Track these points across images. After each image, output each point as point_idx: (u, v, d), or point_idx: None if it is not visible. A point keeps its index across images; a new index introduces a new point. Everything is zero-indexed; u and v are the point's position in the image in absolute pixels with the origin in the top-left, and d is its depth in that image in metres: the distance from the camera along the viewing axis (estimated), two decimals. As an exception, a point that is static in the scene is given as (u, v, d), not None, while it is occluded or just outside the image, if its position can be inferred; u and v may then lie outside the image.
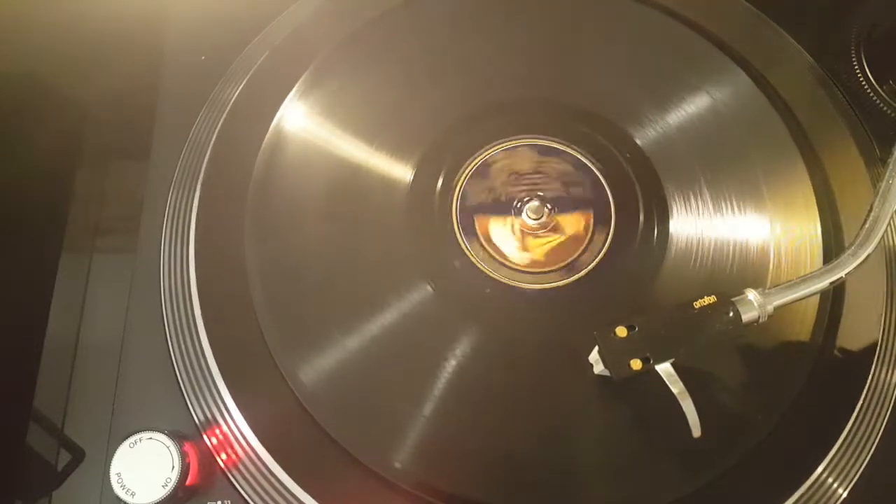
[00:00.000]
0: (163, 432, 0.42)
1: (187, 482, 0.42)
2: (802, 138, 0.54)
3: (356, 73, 0.55)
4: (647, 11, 0.58)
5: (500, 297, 0.49)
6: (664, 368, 0.42)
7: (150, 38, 0.58)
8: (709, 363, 0.47)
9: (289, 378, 0.45)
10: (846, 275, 0.43)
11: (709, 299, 0.43)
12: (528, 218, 0.51)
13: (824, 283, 0.43)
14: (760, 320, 0.43)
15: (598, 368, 0.44)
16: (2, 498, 0.46)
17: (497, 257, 0.51)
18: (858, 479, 0.46)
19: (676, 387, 0.41)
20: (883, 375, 0.49)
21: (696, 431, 0.41)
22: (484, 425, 0.46)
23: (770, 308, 0.43)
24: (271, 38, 0.57)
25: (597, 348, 0.44)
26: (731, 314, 0.42)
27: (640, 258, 0.51)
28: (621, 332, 0.43)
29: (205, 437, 0.45)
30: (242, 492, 0.44)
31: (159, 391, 0.47)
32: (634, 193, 0.53)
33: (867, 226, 0.44)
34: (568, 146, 0.54)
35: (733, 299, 0.43)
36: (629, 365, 0.42)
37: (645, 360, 0.42)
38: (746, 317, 0.42)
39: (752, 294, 0.43)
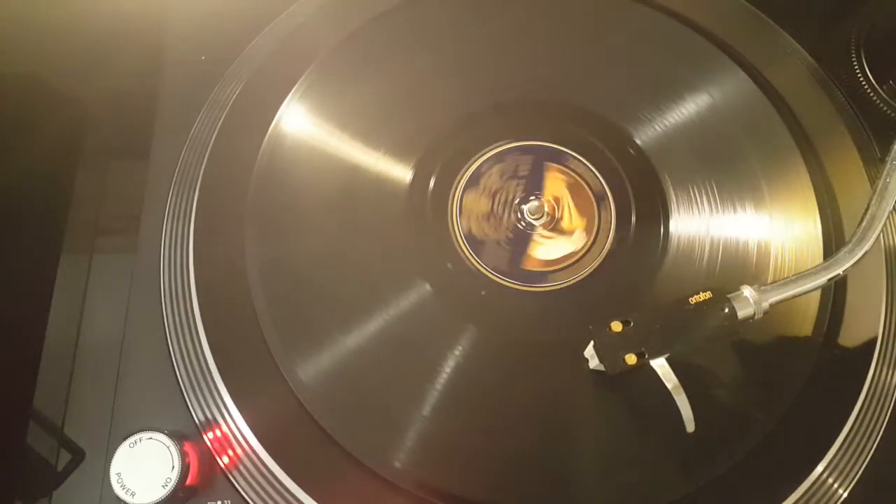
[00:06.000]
0: (163, 432, 0.42)
1: (187, 482, 0.42)
2: (802, 138, 0.54)
3: (356, 74, 0.55)
4: (647, 11, 0.58)
5: (499, 296, 0.49)
6: (659, 363, 0.42)
7: (150, 38, 0.58)
8: (710, 363, 0.47)
9: (289, 378, 0.45)
10: (843, 272, 0.43)
11: (704, 295, 0.43)
12: (528, 218, 0.51)
13: (821, 281, 0.43)
14: (756, 317, 0.43)
15: (594, 363, 0.44)
16: (2, 498, 0.46)
17: (498, 256, 0.51)
18: (858, 479, 0.46)
19: (671, 382, 0.42)
20: (883, 375, 0.49)
21: (690, 426, 0.42)
22: (483, 425, 0.46)
23: (766, 305, 0.43)
24: (271, 38, 0.57)
25: (592, 343, 0.44)
26: (726, 310, 0.42)
27: (640, 257, 0.51)
28: (616, 326, 0.43)
29: (205, 437, 0.45)
30: (242, 492, 0.44)
31: (159, 391, 0.47)
32: (635, 193, 0.53)
33: (864, 224, 0.44)
34: (568, 146, 0.54)
35: (729, 296, 0.43)
36: (624, 360, 0.42)
37: (640, 355, 0.42)
38: (742, 313, 0.43)
39: (747, 291, 0.43)
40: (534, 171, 0.53)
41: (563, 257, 0.51)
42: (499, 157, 0.54)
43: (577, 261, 0.51)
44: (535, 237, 0.52)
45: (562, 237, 0.52)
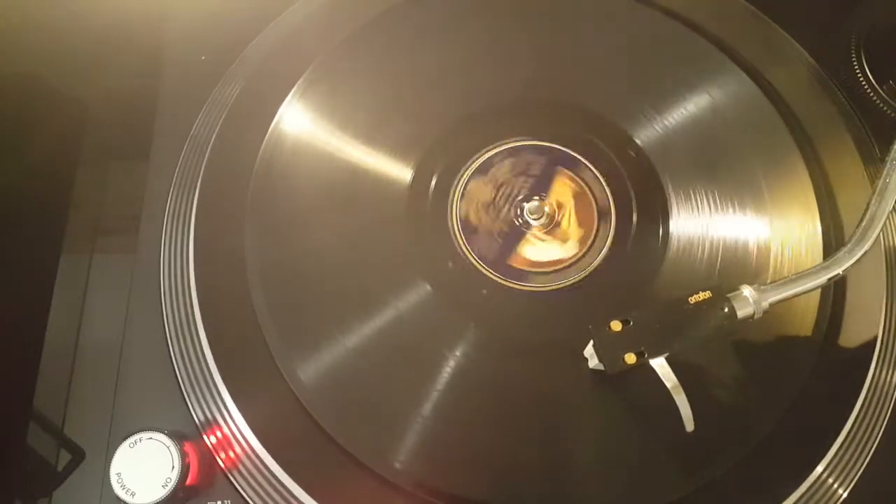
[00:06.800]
0: (163, 432, 0.42)
1: (187, 482, 0.42)
2: (802, 138, 0.54)
3: (356, 74, 0.55)
4: (647, 11, 0.58)
5: (499, 296, 0.49)
6: (658, 363, 0.42)
7: (150, 38, 0.58)
8: (710, 363, 0.47)
9: (289, 378, 0.45)
10: (843, 272, 0.43)
11: (704, 295, 0.43)
12: (528, 218, 0.51)
13: (820, 280, 0.43)
14: (755, 316, 0.43)
15: (593, 363, 0.44)
16: (2, 498, 0.46)
17: (498, 257, 0.51)
18: (858, 479, 0.47)
19: (670, 381, 0.42)
20: (883, 375, 0.49)
21: (689, 426, 0.41)
22: (483, 425, 0.46)
23: (765, 304, 0.43)
24: (271, 38, 0.57)
25: (592, 342, 0.44)
26: (726, 310, 0.42)
27: (640, 258, 0.51)
28: (616, 326, 0.43)
29: (205, 437, 0.45)
30: (242, 492, 0.44)
31: (159, 391, 0.47)
32: (635, 193, 0.53)
33: (864, 223, 0.44)
34: (568, 146, 0.54)
35: (728, 295, 0.43)
36: (623, 359, 0.42)
37: (639, 355, 0.42)
38: (741, 313, 0.42)
39: (747, 290, 0.43)
40: (534, 172, 0.53)
41: (550, 262, 0.51)
42: (498, 158, 0.54)
43: (578, 261, 0.51)
44: (529, 236, 0.51)
45: (555, 242, 0.52)
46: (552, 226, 0.52)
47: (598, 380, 0.46)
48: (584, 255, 0.51)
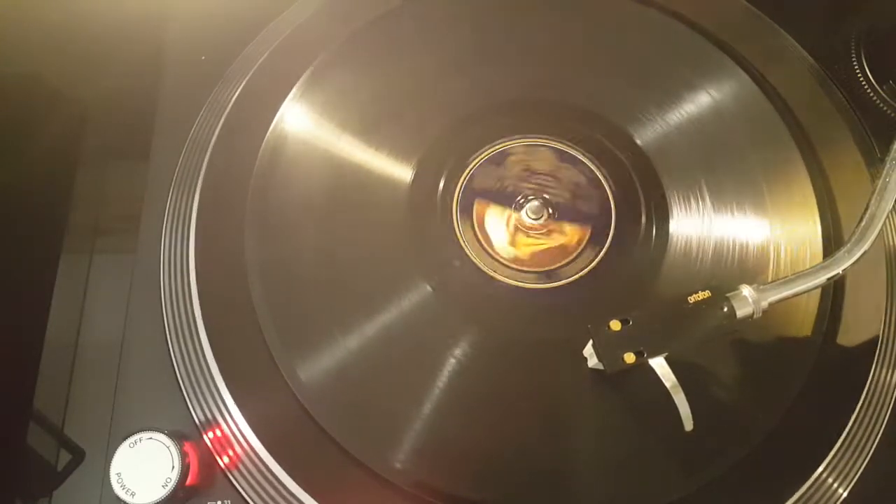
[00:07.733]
0: (163, 432, 0.42)
1: (187, 482, 0.42)
2: (802, 138, 0.54)
3: (356, 74, 0.55)
4: (646, 11, 0.58)
5: (500, 296, 0.49)
6: (657, 362, 0.42)
7: (151, 38, 0.58)
8: (710, 363, 0.47)
9: (289, 378, 0.45)
10: (842, 272, 0.43)
11: (703, 294, 0.43)
12: (528, 218, 0.52)
13: (820, 280, 0.43)
14: (755, 316, 0.43)
15: (592, 362, 0.44)
16: (2, 498, 0.46)
17: (498, 257, 0.51)
18: (858, 479, 0.46)
19: (669, 381, 0.42)
20: (883, 375, 0.49)
21: (689, 425, 0.41)
22: (483, 425, 0.46)
23: (765, 304, 0.43)
24: (271, 38, 0.57)
25: (591, 342, 0.44)
26: (725, 309, 0.42)
27: (640, 258, 0.51)
28: (615, 325, 0.43)
29: (205, 437, 0.45)
30: (242, 492, 0.44)
31: (159, 391, 0.47)
32: (634, 193, 0.53)
33: (863, 223, 0.44)
34: (568, 146, 0.54)
35: (728, 295, 0.43)
36: (622, 358, 0.42)
37: (638, 354, 0.42)
38: (741, 312, 0.43)
39: (746, 290, 0.43)
40: (533, 172, 0.53)
41: (550, 261, 0.51)
42: (498, 158, 0.54)
43: (578, 261, 0.51)
44: (536, 234, 0.51)
45: (556, 241, 0.52)
46: (554, 225, 0.52)
47: (597, 379, 0.46)
48: (583, 255, 0.51)
